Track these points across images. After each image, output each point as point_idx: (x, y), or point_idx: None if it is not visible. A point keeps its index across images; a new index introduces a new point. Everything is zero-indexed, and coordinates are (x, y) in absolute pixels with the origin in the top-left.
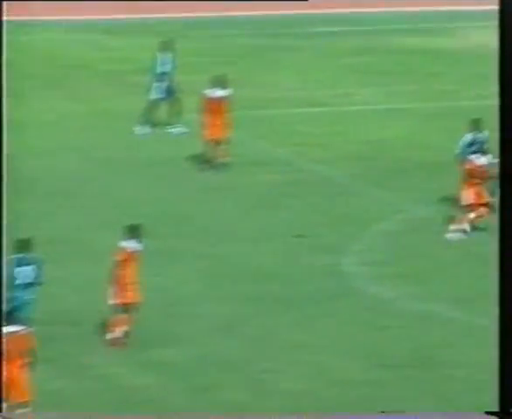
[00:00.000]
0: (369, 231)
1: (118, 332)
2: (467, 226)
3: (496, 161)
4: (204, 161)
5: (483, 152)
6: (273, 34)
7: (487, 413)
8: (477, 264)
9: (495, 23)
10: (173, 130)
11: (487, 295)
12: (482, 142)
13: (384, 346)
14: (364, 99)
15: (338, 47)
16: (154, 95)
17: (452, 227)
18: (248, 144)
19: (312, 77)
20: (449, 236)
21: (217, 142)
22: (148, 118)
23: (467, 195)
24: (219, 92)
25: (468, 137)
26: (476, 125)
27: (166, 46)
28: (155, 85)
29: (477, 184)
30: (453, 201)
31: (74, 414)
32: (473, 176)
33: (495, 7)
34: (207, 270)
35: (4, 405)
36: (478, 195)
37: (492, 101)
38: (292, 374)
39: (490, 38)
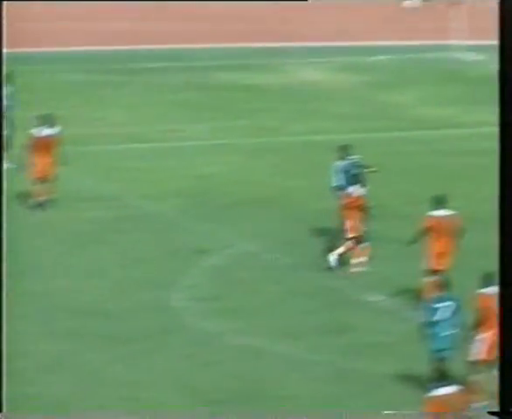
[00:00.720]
0: (197, 266)
1: None
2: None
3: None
4: (31, 197)
5: (359, 181)
6: (101, 70)
7: (488, 413)
8: (304, 299)
9: (330, 58)
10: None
11: (315, 330)
12: (355, 169)
13: (212, 381)
14: (192, 135)
15: (165, 83)
16: None
17: (332, 256)
18: (76, 180)
19: (140, 113)
20: (332, 260)
21: (45, 179)
22: None
23: (349, 227)
24: (46, 131)
25: (339, 165)
26: (344, 152)
27: (6, 79)
28: None
29: (355, 215)
30: (332, 232)
31: (74, 414)
32: (350, 208)
33: (327, 44)
34: (35, 306)
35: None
36: (356, 226)
37: (320, 136)
38: (119, 410)
39: (315, 75)
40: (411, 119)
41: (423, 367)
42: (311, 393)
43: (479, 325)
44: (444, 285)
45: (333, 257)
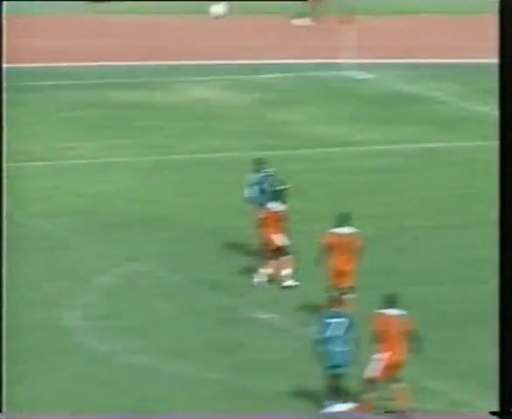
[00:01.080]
0: (89, 285)
1: None
2: (271, 273)
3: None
4: None
5: (278, 197)
6: None
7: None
8: (197, 317)
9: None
10: None
11: (207, 348)
12: (268, 182)
13: (106, 400)
14: (84, 153)
15: (58, 101)
16: None
17: (259, 273)
18: None
19: (33, 131)
20: (256, 282)
21: None
22: None
23: (276, 242)
24: None
25: (253, 178)
26: (259, 165)
27: None
28: None
29: (275, 231)
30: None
31: (74, 415)
32: (269, 223)
33: (218, 62)
34: None
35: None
36: (279, 241)
37: (213, 154)
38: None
39: (207, 93)
40: (302, 137)
41: (317, 385)
42: (202, 411)
43: (376, 344)
44: (339, 302)
45: (290, 282)
